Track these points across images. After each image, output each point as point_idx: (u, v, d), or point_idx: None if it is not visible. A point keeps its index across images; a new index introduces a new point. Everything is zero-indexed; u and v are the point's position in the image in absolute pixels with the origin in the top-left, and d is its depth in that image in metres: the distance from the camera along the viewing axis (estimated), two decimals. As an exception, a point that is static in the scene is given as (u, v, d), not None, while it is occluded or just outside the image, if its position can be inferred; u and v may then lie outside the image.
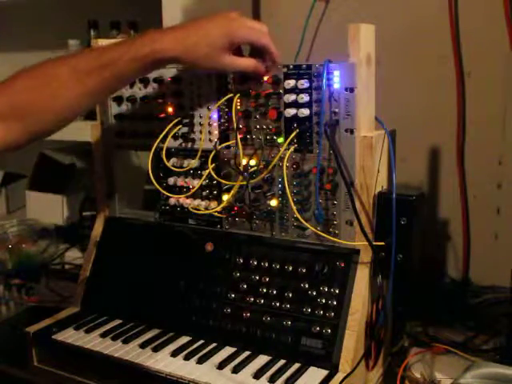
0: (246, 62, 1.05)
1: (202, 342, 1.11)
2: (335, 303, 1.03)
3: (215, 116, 1.15)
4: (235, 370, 1.01)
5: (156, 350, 1.09)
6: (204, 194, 1.19)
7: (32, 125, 0.94)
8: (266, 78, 1.07)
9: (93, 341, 1.13)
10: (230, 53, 1.02)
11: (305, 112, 1.05)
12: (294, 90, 1.05)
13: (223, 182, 1.14)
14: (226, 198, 1.15)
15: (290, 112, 1.06)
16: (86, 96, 0.97)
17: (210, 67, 1.04)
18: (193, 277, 1.17)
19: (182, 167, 1.19)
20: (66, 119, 0.99)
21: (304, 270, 1.07)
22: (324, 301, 1.04)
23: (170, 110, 1.19)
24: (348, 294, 1.03)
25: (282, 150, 1.07)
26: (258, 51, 1.06)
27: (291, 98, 1.06)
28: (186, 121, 1.17)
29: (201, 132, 1.15)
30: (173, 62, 1.03)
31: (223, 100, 1.11)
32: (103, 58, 0.96)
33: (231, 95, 1.11)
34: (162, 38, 0.98)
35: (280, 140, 1.09)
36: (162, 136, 1.16)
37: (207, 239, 1.18)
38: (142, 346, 1.10)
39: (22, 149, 0.97)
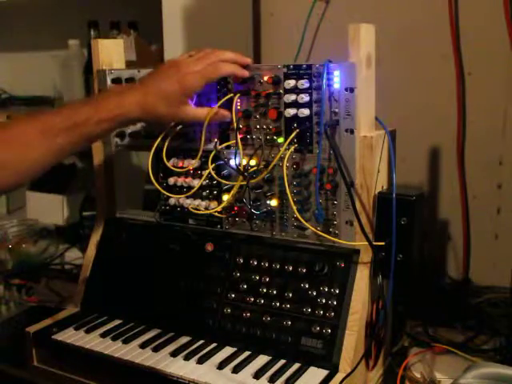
0: (203, 112, 1.09)
1: (202, 342, 1.11)
2: (335, 303, 1.03)
3: (215, 116, 1.15)
4: (235, 370, 1.02)
5: (156, 350, 1.09)
6: (204, 193, 1.19)
7: None
8: (266, 78, 1.07)
9: (93, 341, 1.13)
10: (189, 104, 1.07)
11: (305, 112, 1.05)
12: (294, 90, 1.05)
13: (223, 181, 1.14)
14: (226, 198, 1.15)
15: (290, 112, 1.06)
16: (51, 155, 0.98)
17: (172, 121, 1.13)
18: (193, 277, 1.17)
19: (182, 167, 1.19)
20: (29, 177, 1.00)
21: (304, 270, 1.07)
22: (324, 301, 1.04)
23: None
24: (348, 294, 1.03)
25: (282, 150, 1.07)
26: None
27: (291, 97, 1.06)
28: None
29: (201, 132, 1.15)
30: (137, 121, 1.16)
31: (223, 100, 1.11)
32: (71, 120, 0.98)
33: (231, 95, 1.11)
34: (125, 102, 1.03)
35: (280, 140, 1.09)
36: (161, 136, 1.16)
37: (207, 239, 1.18)
38: (142, 346, 1.10)
39: None
